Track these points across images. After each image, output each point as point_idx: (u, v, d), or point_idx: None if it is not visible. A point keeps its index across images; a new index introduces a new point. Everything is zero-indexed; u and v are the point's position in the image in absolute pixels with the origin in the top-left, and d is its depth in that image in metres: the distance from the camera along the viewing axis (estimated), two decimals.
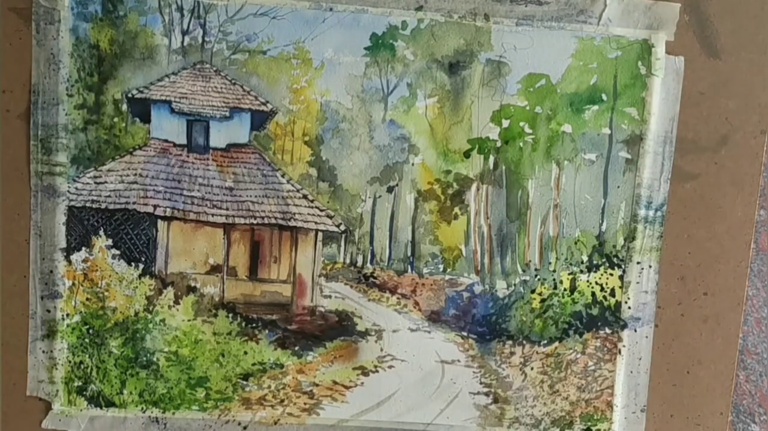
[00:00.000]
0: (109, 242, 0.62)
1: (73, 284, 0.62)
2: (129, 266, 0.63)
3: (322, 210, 0.63)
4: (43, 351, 0.63)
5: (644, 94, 0.62)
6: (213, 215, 0.62)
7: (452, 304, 0.65)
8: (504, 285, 0.65)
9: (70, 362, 0.63)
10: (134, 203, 0.62)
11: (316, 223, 0.63)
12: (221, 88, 0.61)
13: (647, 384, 0.65)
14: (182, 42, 0.60)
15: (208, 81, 0.61)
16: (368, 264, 0.64)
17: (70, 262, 0.62)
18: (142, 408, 0.64)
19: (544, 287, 0.65)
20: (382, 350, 0.65)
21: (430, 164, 0.63)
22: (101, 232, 0.62)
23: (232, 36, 0.60)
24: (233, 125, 0.62)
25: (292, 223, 0.63)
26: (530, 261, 0.65)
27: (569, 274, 0.65)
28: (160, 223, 0.62)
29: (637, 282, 0.64)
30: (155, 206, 0.62)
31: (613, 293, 0.64)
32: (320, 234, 0.63)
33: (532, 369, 0.65)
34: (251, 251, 0.63)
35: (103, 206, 0.62)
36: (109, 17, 0.60)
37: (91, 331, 0.63)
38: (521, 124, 0.63)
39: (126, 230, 0.62)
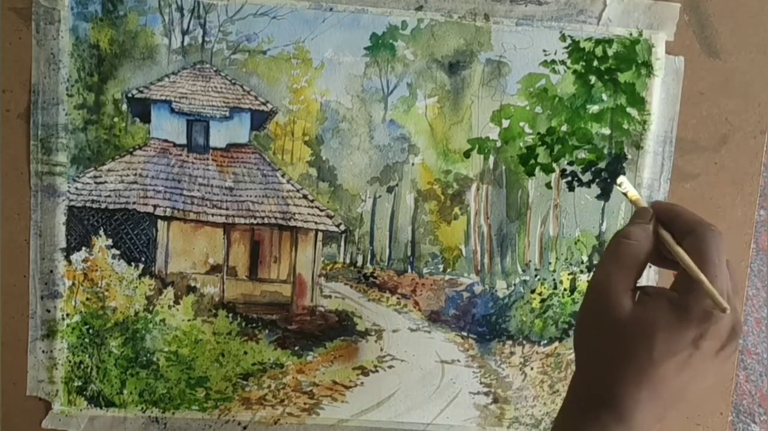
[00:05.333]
0: (109, 242, 0.62)
1: (73, 284, 0.62)
2: (129, 266, 0.63)
3: (322, 210, 0.63)
4: (43, 351, 0.63)
5: (644, 94, 0.62)
6: (213, 215, 0.62)
7: (452, 304, 0.65)
8: (504, 285, 0.65)
9: (70, 362, 0.63)
10: (134, 203, 0.62)
11: (316, 223, 0.63)
12: (221, 88, 0.61)
13: None
14: (182, 42, 0.60)
15: (208, 81, 0.61)
16: (368, 264, 0.64)
17: (70, 262, 0.62)
18: (142, 408, 0.64)
19: (544, 287, 0.65)
20: (382, 350, 0.65)
21: (430, 164, 0.63)
22: (101, 232, 0.62)
23: (232, 36, 0.60)
24: (233, 124, 0.62)
25: (292, 223, 0.63)
26: (530, 261, 0.65)
27: (569, 274, 0.65)
28: (160, 223, 0.62)
29: None
30: (155, 206, 0.62)
31: None
32: (320, 234, 0.63)
33: (532, 369, 0.65)
34: (251, 251, 0.63)
35: (103, 206, 0.62)
36: (109, 17, 0.60)
37: (91, 331, 0.63)
38: (521, 124, 0.63)
39: (126, 230, 0.62)
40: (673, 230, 0.45)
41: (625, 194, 0.50)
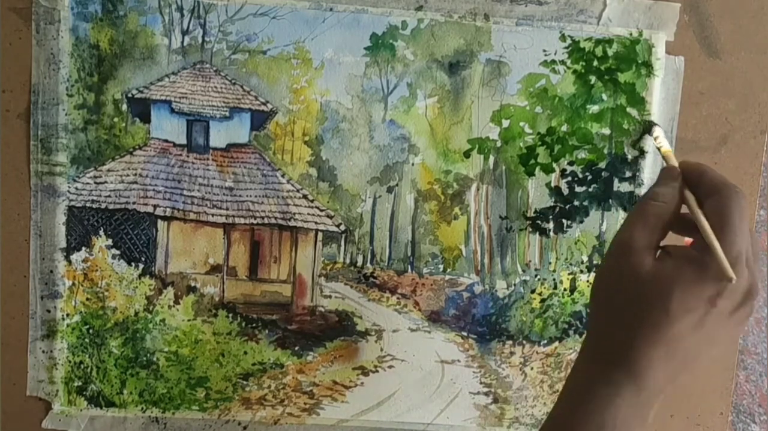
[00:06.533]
0: (109, 242, 0.62)
1: (73, 284, 0.62)
2: (129, 266, 0.63)
3: (322, 210, 0.63)
4: (43, 351, 0.63)
5: (644, 94, 0.62)
6: (213, 215, 0.62)
7: (452, 304, 0.65)
8: (504, 285, 0.65)
9: (70, 362, 0.63)
10: (134, 203, 0.62)
11: (316, 223, 0.63)
12: (221, 88, 0.61)
13: None
14: (182, 42, 0.60)
15: (208, 81, 0.61)
16: (368, 264, 0.64)
17: (70, 262, 0.62)
18: (142, 408, 0.64)
19: (544, 287, 0.65)
20: (382, 350, 0.65)
21: (430, 164, 0.63)
22: (101, 232, 0.62)
23: (232, 36, 0.60)
24: (233, 125, 0.62)
25: (292, 223, 0.63)
26: (530, 261, 0.65)
27: (569, 274, 0.65)
28: (160, 223, 0.62)
29: None
30: (155, 206, 0.62)
31: None
32: (320, 234, 0.63)
33: (532, 369, 0.65)
34: (251, 251, 0.63)
35: (103, 206, 0.62)
36: (109, 17, 0.60)
37: (91, 331, 0.63)
38: (521, 124, 0.63)
39: (126, 230, 0.62)
40: (697, 191, 0.45)
41: (659, 149, 0.50)
